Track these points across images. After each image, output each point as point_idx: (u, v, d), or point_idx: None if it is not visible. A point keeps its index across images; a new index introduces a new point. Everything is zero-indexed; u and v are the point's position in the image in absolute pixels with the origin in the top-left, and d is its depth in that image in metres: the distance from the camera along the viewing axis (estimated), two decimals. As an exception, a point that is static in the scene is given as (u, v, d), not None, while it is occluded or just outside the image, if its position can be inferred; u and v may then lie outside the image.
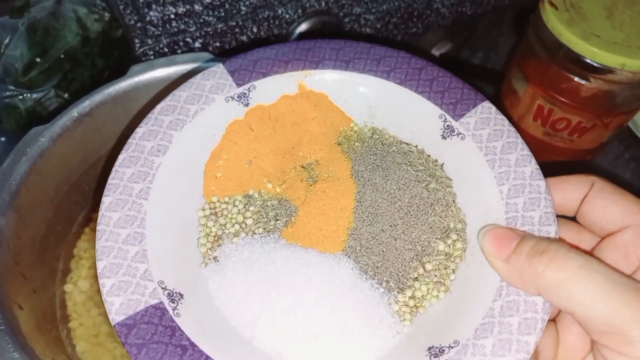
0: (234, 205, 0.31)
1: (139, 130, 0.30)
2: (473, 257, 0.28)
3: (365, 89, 0.32)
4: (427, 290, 0.28)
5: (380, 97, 0.32)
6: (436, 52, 0.61)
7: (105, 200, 0.28)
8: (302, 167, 0.32)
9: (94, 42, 0.54)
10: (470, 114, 0.30)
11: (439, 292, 0.28)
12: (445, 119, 0.30)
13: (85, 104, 0.38)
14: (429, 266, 0.29)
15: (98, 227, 0.27)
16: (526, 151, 0.28)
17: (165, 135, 0.30)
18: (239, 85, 0.32)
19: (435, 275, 0.29)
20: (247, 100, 0.32)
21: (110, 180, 0.28)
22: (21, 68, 0.50)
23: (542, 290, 0.22)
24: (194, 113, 0.31)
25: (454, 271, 0.28)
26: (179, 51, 0.44)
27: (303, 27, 0.47)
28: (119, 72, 0.58)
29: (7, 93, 0.48)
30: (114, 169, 0.29)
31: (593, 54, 0.40)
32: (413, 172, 0.31)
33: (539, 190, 0.26)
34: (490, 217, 0.27)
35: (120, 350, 0.38)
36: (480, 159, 0.29)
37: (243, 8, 0.45)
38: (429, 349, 0.25)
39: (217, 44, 0.45)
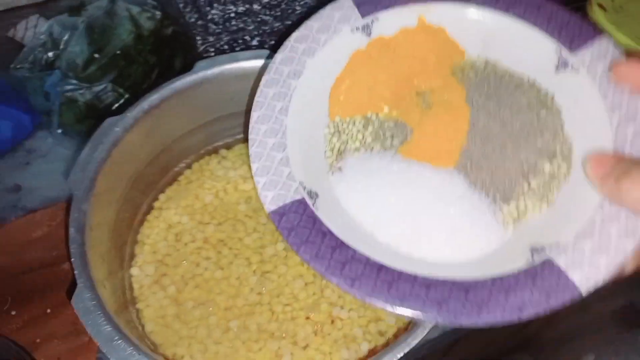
0: (354, 125, 0.34)
1: (278, 56, 0.34)
2: (577, 179, 0.29)
3: (483, 21, 0.34)
4: (531, 204, 0.31)
5: (496, 30, 0.34)
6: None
7: (254, 115, 0.32)
8: (418, 94, 0.35)
9: (147, 40, 0.56)
10: (586, 46, 0.31)
11: (541, 205, 0.31)
12: (561, 53, 0.32)
13: (155, 97, 0.40)
14: (533, 184, 0.31)
15: (250, 136, 0.31)
16: None
17: (299, 62, 0.34)
18: (363, 16, 0.35)
19: (540, 192, 0.31)
20: (370, 30, 0.35)
21: (257, 98, 0.33)
22: (81, 64, 0.52)
23: (628, 204, 0.25)
24: (324, 42, 0.34)
25: (557, 188, 0.30)
26: (237, 48, 0.46)
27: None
28: (169, 68, 0.60)
29: (70, 87, 0.51)
30: (259, 88, 0.33)
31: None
32: (525, 101, 0.33)
33: None
34: (598, 144, 0.29)
35: (187, 331, 0.40)
36: (593, 90, 0.30)
37: (298, 7, 0.46)
38: (531, 248, 0.28)
39: (273, 42, 0.47)
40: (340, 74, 0.35)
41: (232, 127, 0.48)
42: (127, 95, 0.55)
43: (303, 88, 0.33)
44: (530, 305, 0.26)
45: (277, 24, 0.46)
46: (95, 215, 0.36)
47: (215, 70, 0.42)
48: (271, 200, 0.30)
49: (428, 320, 0.27)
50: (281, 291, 0.41)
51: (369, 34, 0.35)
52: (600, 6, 0.45)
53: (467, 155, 0.33)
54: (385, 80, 0.35)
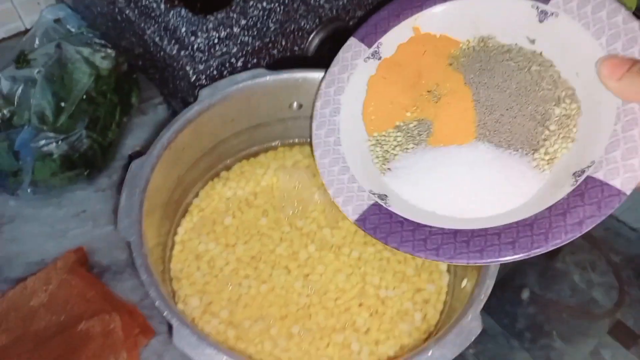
0: (389, 135, 0.41)
1: (317, 103, 0.42)
2: (590, 109, 0.33)
3: (464, 8, 0.39)
4: (558, 145, 0.35)
5: (478, 11, 0.39)
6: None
7: (316, 153, 0.40)
8: (428, 92, 0.41)
9: (108, 80, 0.55)
10: None
11: (567, 144, 0.35)
12: (538, 6, 0.36)
13: (172, 131, 0.40)
14: (552, 127, 0.36)
15: (320, 170, 0.40)
16: (614, 4, 0.32)
17: (335, 101, 0.41)
18: (370, 46, 0.41)
19: (561, 132, 0.35)
20: (379, 54, 0.41)
21: (313, 140, 0.41)
22: (51, 115, 0.49)
23: None
24: (347, 79, 0.42)
25: (575, 125, 0.35)
26: (225, 72, 0.47)
27: (321, 35, 0.52)
28: (128, 105, 0.59)
29: (44, 141, 0.48)
30: (312, 131, 0.41)
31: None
32: (514, 64, 0.38)
33: (634, 30, 0.31)
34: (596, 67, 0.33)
35: (253, 348, 0.40)
36: (576, 25, 0.34)
37: (271, 25, 0.49)
38: (573, 174, 0.32)
39: (255, 61, 0.49)
40: (365, 99, 0.42)
41: (231, 147, 0.49)
42: (100, 140, 0.53)
43: (345, 119, 0.41)
44: (587, 218, 0.30)
45: (257, 43, 0.48)
46: (150, 257, 0.36)
47: (219, 95, 0.43)
48: (352, 212, 0.37)
49: (507, 262, 0.32)
50: (327, 288, 0.44)
51: (379, 57, 0.41)
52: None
53: (482, 125, 0.39)
54: (400, 91, 0.42)
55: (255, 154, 0.51)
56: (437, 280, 0.45)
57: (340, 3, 0.52)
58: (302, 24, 0.51)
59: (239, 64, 0.48)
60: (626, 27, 0.31)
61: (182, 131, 0.41)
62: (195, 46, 0.45)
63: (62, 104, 0.50)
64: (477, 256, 0.32)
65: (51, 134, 0.48)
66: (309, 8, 0.51)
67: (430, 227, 0.34)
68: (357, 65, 0.41)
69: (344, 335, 0.42)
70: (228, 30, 0.46)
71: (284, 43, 0.50)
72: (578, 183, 0.31)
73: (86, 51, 0.54)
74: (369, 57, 0.41)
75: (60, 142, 0.49)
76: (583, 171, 0.32)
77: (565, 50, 0.36)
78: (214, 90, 0.43)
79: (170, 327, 0.32)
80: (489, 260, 0.32)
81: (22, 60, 0.52)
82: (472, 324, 0.34)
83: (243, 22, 0.47)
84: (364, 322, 0.42)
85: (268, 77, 0.44)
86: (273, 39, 0.49)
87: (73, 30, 0.59)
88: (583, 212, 0.30)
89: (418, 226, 0.35)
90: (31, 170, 0.49)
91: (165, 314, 0.32)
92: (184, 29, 0.45)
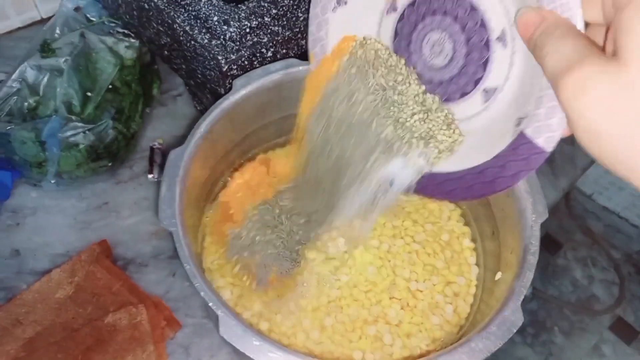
0: None
1: None
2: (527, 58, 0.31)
3: None
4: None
5: None
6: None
7: None
8: None
9: (132, 70, 0.54)
10: None
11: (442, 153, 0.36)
12: None
13: (208, 120, 0.40)
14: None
15: None
16: None
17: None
18: None
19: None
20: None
21: None
22: (79, 105, 0.49)
23: (540, 59, 0.26)
24: (326, 35, 0.41)
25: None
26: (255, 62, 0.47)
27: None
28: (149, 97, 0.58)
29: (72, 132, 0.47)
30: None
31: None
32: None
33: None
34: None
35: (286, 340, 0.40)
36: None
37: (300, 15, 0.48)
38: (516, 120, 0.32)
39: (284, 51, 0.49)
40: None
41: (259, 139, 0.49)
42: (124, 131, 0.52)
43: None
44: (520, 171, 0.32)
45: (287, 33, 0.48)
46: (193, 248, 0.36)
47: (253, 85, 0.43)
48: None
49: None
50: (357, 281, 0.44)
51: (345, 3, 0.39)
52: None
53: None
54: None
55: (282, 145, 0.51)
56: (466, 273, 0.45)
57: (368, -5, 0.52)
58: (331, 15, 0.50)
59: (269, 54, 0.47)
60: None
61: (218, 121, 0.41)
62: (228, 35, 0.44)
63: (89, 94, 0.50)
64: (444, 196, 0.37)
65: (79, 124, 0.47)
66: None
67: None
68: (328, 19, 0.40)
69: (376, 327, 0.42)
70: (259, 19, 0.46)
71: (312, 35, 0.50)
72: (516, 135, 0.32)
73: (110, 40, 0.54)
74: (335, 7, 0.39)
75: (87, 132, 0.48)
76: (521, 120, 0.32)
77: None
78: (248, 80, 0.42)
79: (216, 319, 0.32)
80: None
81: (46, 49, 0.51)
82: (513, 316, 0.34)
83: (274, 11, 0.46)
84: (396, 314, 0.42)
85: (301, 68, 0.44)
86: (302, 29, 0.49)
87: (94, 19, 0.58)
88: (516, 165, 0.32)
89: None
90: (57, 161, 0.49)
91: (211, 304, 0.32)
92: (215, 18, 0.45)
